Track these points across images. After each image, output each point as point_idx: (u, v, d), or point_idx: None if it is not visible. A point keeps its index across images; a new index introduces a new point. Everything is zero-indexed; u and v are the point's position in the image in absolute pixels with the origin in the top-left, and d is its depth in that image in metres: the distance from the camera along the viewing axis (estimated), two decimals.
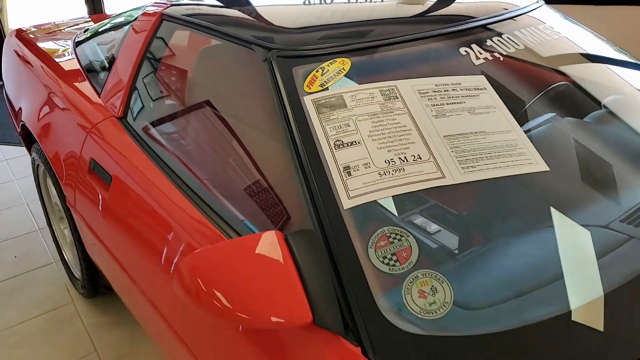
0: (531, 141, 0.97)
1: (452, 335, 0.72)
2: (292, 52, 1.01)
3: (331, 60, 1.01)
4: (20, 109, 1.86)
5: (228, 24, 1.17)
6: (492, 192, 0.93)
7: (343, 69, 1.00)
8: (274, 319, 0.74)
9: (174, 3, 1.43)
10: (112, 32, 1.71)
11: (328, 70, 0.99)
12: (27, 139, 1.91)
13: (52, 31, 2.15)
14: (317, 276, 0.77)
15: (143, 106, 1.34)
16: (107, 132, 1.35)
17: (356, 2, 1.31)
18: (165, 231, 1.08)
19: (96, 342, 1.72)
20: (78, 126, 1.45)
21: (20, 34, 2.16)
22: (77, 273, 1.89)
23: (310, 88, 0.97)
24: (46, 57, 1.82)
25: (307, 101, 0.95)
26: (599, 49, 1.37)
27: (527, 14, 1.34)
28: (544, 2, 1.50)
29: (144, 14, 1.49)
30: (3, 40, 3.85)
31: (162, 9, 1.42)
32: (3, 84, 2.17)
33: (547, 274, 0.81)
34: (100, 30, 1.84)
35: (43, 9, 3.98)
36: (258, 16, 1.20)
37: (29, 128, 1.68)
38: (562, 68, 1.25)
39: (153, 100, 1.34)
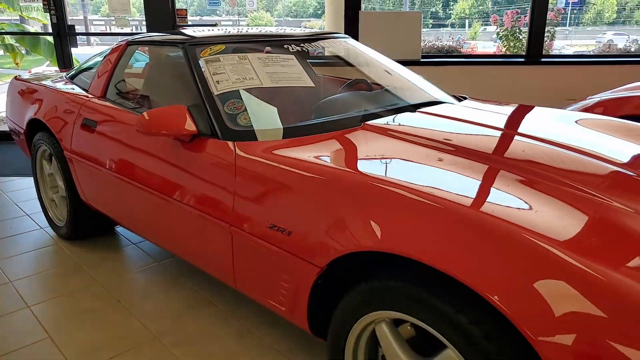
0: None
1: (251, 130, 1.73)
2: (195, 43, 2.07)
3: (214, 45, 2.08)
4: (26, 121, 2.80)
5: (167, 40, 2.23)
6: (288, 89, 2.00)
7: (220, 49, 2.07)
8: (182, 131, 1.72)
9: (134, 38, 2.50)
10: (91, 67, 2.76)
11: (213, 49, 2.06)
12: (29, 136, 2.84)
13: (35, 77, 3.16)
14: (198, 116, 1.78)
15: (113, 89, 2.36)
16: (94, 103, 2.35)
17: (244, 30, 2.42)
18: (128, 133, 2.05)
19: (74, 256, 2.55)
20: (75, 105, 2.43)
21: (17, 78, 3.16)
22: (59, 223, 2.74)
23: (203, 55, 2.02)
24: (46, 84, 2.82)
25: (202, 60, 1.99)
26: (370, 56, 2.52)
27: (333, 38, 2.49)
28: (349, 36, 2.69)
29: (115, 46, 2.55)
30: None
31: (127, 40, 2.49)
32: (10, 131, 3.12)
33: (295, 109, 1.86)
34: (84, 66, 2.88)
35: None
36: (183, 35, 2.27)
37: (42, 119, 2.61)
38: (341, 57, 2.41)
39: (122, 84, 2.36)
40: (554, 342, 0.95)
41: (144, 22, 4.82)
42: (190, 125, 1.76)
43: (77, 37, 4.89)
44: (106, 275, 2.37)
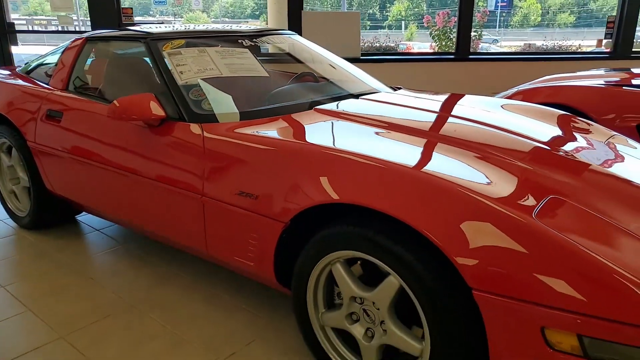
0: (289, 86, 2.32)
1: (213, 114, 1.96)
2: (156, 38, 2.26)
3: (175, 40, 2.28)
4: None
5: (128, 35, 2.41)
6: (244, 80, 2.24)
7: (180, 43, 2.28)
8: (151, 116, 1.92)
9: (91, 34, 2.65)
10: (48, 63, 2.87)
11: (174, 43, 2.26)
12: None
13: None
14: (166, 102, 1.98)
15: (75, 82, 2.51)
16: (57, 95, 2.48)
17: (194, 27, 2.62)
18: (96, 121, 2.22)
19: (39, 243, 2.66)
20: (38, 98, 2.55)
21: None
22: (21, 214, 2.83)
23: (166, 49, 2.22)
24: (3, 80, 2.90)
25: (164, 53, 2.19)
26: (315, 51, 2.80)
27: (282, 35, 2.75)
28: (296, 33, 2.95)
29: (73, 41, 2.69)
30: None
31: (85, 37, 2.63)
32: None
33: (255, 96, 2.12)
34: (39, 62, 2.97)
35: None
36: (139, 32, 2.45)
37: (2, 113, 2.70)
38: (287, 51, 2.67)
39: (83, 77, 2.51)
40: (472, 265, 1.25)
41: (76, 22, 4.86)
42: (158, 111, 1.96)
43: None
44: (74, 258, 2.51)
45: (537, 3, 37.96)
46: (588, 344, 1.18)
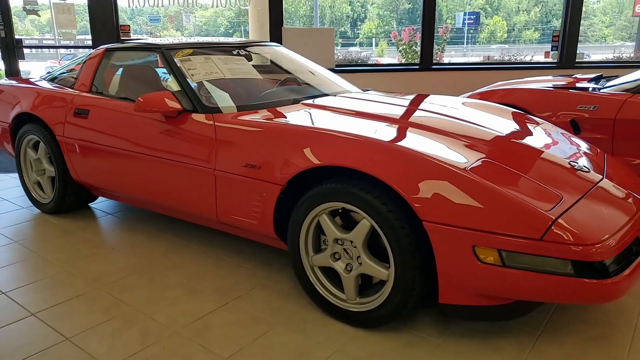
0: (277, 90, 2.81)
1: (217, 107, 2.44)
2: (169, 47, 2.74)
3: (185, 49, 2.76)
4: (12, 116, 3.29)
5: (143, 46, 2.88)
6: (239, 82, 2.73)
7: (189, 52, 2.76)
8: (168, 108, 2.39)
9: (110, 46, 3.10)
10: (70, 71, 3.31)
11: (183, 52, 2.74)
12: (14, 130, 3.32)
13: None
14: (181, 97, 2.46)
15: (97, 85, 2.96)
16: (83, 96, 2.93)
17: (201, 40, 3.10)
18: (121, 116, 2.68)
19: (62, 224, 3.07)
20: (65, 99, 2.99)
21: None
22: (44, 201, 3.24)
23: (178, 56, 2.69)
24: (30, 85, 3.31)
25: (177, 59, 2.67)
26: (298, 61, 3.31)
27: (268, 46, 3.25)
28: (281, 44, 3.46)
29: (95, 52, 3.14)
30: None
31: (105, 48, 3.09)
32: None
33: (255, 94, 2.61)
34: (60, 72, 3.41)
35: None
36: (153, 44, 2.92)
37: (33, 112, 3.11)
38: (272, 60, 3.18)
39: (103, 81, 2.96)
40: (423, 205, 1.74)
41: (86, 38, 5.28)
42: (175, 104, 2.42)
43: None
44: (96, 234, 2.93)
45: (502, 20, 39.52)
46: (505, 256, 1.68)
